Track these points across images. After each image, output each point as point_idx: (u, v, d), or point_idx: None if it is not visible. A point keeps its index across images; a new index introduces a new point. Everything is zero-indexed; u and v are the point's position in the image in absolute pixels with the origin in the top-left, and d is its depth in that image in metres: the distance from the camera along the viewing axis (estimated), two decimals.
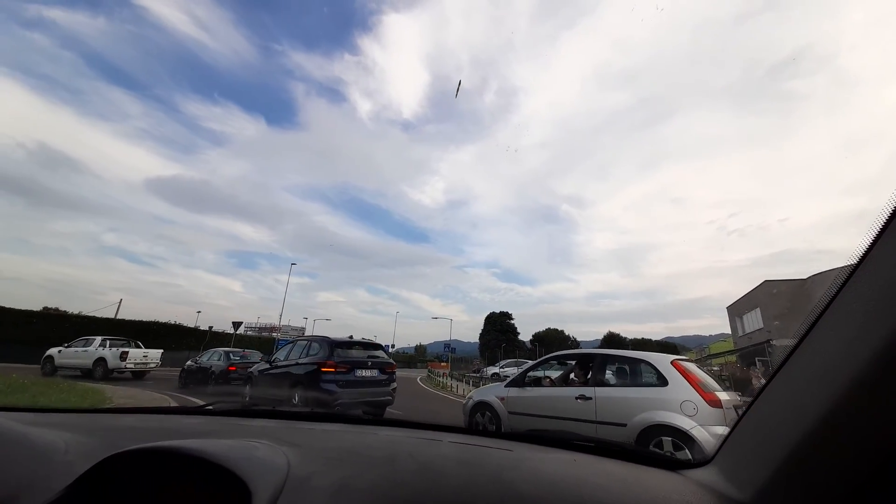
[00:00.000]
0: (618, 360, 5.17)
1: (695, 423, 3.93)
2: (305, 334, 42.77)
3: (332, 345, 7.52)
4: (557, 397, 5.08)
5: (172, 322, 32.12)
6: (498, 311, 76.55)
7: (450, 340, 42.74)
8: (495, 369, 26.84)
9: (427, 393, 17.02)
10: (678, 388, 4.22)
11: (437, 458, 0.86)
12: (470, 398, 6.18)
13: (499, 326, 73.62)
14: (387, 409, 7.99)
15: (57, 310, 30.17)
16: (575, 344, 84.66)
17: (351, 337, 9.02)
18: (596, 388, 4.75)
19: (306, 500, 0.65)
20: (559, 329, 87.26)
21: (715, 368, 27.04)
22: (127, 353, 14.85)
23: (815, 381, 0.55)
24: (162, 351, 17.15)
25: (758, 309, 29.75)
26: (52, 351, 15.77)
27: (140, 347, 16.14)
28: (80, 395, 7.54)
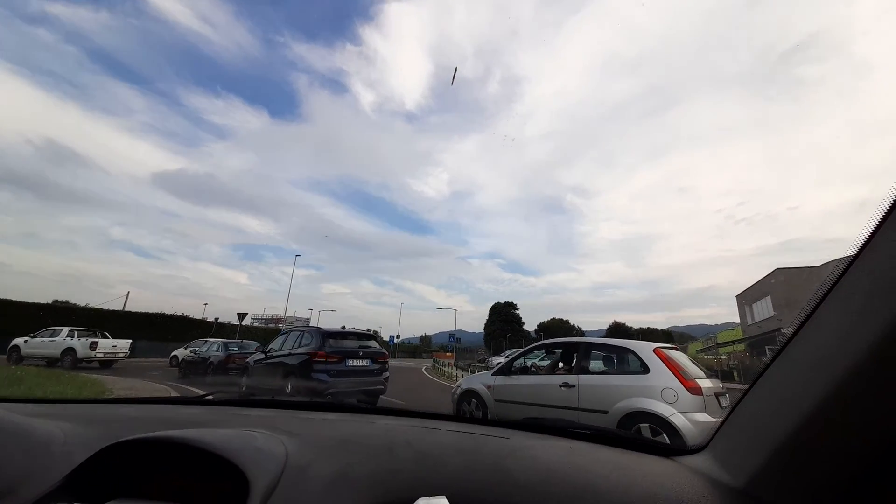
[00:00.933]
0: (602, 348, 5.21)
1: (674, 410, 3.95)
2: (309, 325, 43.11)
3: (324, 335, 7.63)
4: (542, 385, 5.12)
5: (179, 314, 32.51)
6: (503, 302, 76.63)
7: (455, 331, 42.71)
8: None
9: (432, 383, 16.96)
10: (659, 375, 4.24)
11: (435, 447, 0.87)
12: (458, 386, 6.22)
13: (504, 316, 73.63)
14: (389, 398, 7.99)
15: (67, 302, 30.41)
16: (580, 334, 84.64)
17: (343, 327, 9.32)
18: (580, 376, 4.81)
19: (304, 488, 0.65)
20: (564, 319, 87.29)
21: (723, 357, 26.99)
22: (96, 343, 15.26)
23: (812, 369, 0.55)
24: (131, 341, 17.60)
25: (768, 297, 29.28)
26: (19, 340, 16.07)
27: (108, 338, 16.56)
28: (79, 386, 7.49)
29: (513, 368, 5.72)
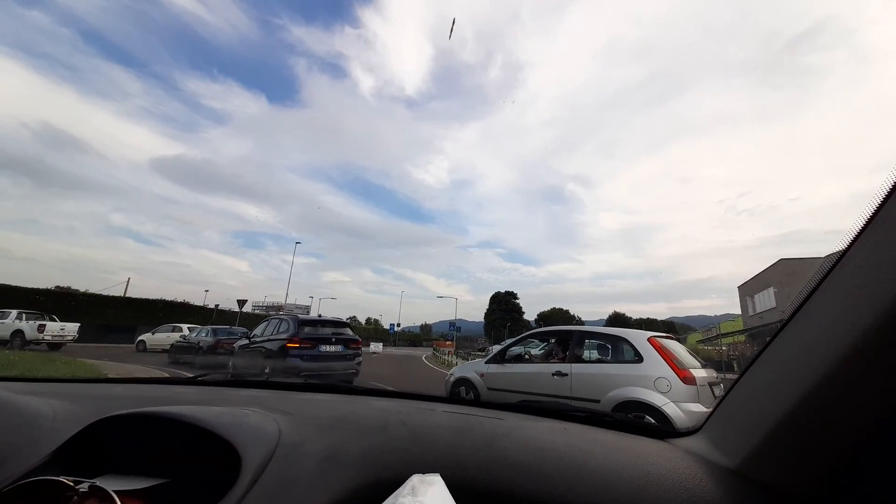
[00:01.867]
0: (596, 336, 5.15)
1: (667, 400, 3.90)
2: (311, 313, 43.33)
3: (300, 323, 8.13)
4: (535, 373, 5.07)
5: (179, 301, 32.58)
6: (503, 291, 76.72)
7: (455, 320, 42.78)
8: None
9: (432, 371, 16.93)
10: (653, 364, 4.18)
11: (429, 426, 0.87)
12: (451, 374, 6.23)
13: (504, 306, 73.80)
14: (388, 387, 7.80)
15: (69, 288, 30.39)
16: (580, 324, 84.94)
17: (320, 315, 10.10)
18: (573, 365, 4.74)
19: (297, 465, 0.65)
20: (564, 309, 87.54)
21: (724, 348, 27.03)
22: (44, 325, 15.67)
23: (804, 354, 0.56)
24: (79, 325, 17.85)
25: (771, 288, 29.14)
26: None
27: (56, 321, 16.81)
28: (73, 370, 7.42)
29: (506, 356, 5.66)
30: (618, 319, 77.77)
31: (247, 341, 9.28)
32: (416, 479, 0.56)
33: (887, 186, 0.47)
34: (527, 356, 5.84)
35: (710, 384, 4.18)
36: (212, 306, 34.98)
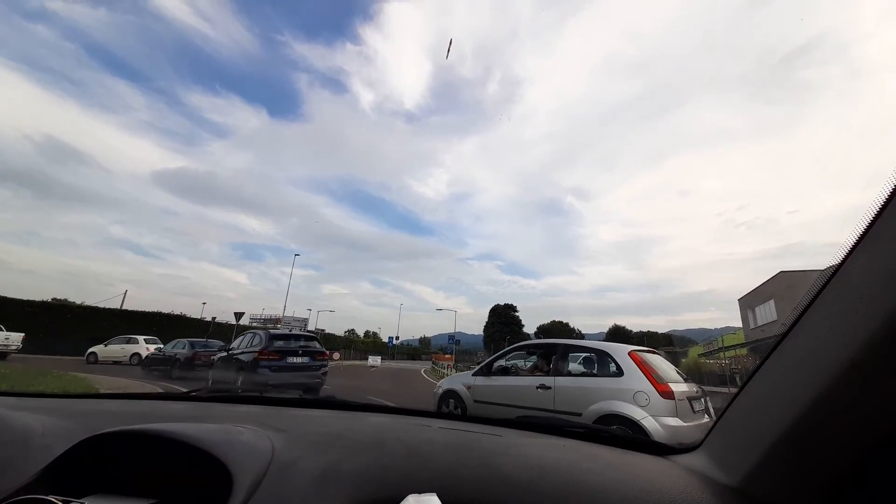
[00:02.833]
0: (579, 350, 5.23)
1: (646, 414, 3.99)
2: (309, 325, 43.06)
3: (270, 337, 8.92)
4: (519, 386, 5.15)
5: (176, 313, 32.37)
6: (503, 304, 76.41)
7: (454, 332, 42.43)
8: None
9: (431, 386, 16.66)
10: (633, 378, 4.26)
11: (426, 443, 0.85)
12: (440, 386, 6.32)
13: (504, 318, 73.40)
14: (386, 402, 7.85)
15: (66, 300, 30.18)
16: (580, 337, 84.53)
17: (290, 330, 11.60)
18: (556, 378, 4.84)
19: (291, 484, 0.64)
20: (564, 322, 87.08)
21: (725, 362, 26.75)
22: None
23: (804, 369, 0.56)
24: (23, 335, 17.99)
25: (772, 301, 29.04)
26: None
27: (2, 330, 17.08)
28: (64, 385, 7.28)
29: (493, 369, 5.72)
30: (618, 332, 77.30)
31: (225, 353, 9.82)
32: (412, 500, 0.55)
33: (880, 200, 0.47)
34: (513, 369, 5.90)
35: (690, 399, 4.23)
36: (209, 319, 34.68)
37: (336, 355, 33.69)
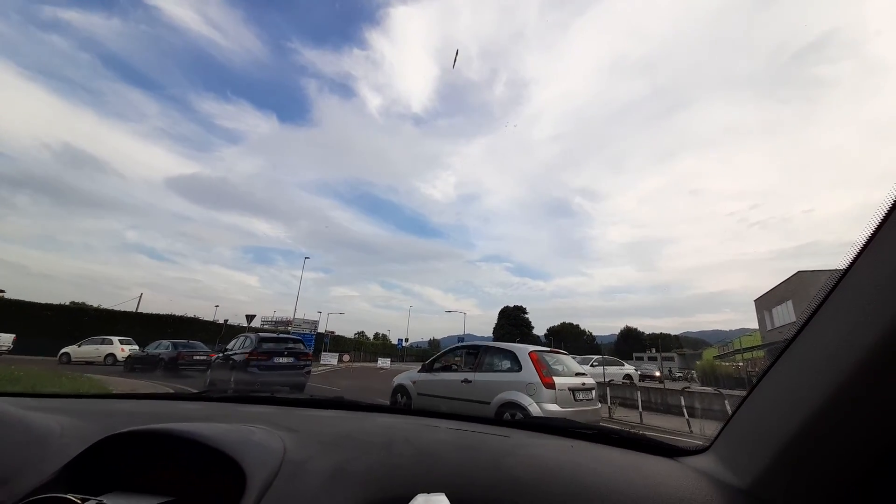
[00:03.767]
0: (494, 350, 6.16)
1: (532, 401, 5.04)
2: (319, 327, 43.39)
3: (260, 339, 10.01)
4: (450, 381, 6.16)
5: (189, 316, 32.85)
6: (512, 306, 75.97)
7: (464, 335, 42.26)
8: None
9: None
10: (528, 372, 5.32)
11: (435, 444, 0.86)
12: (394, 381, 7.28)
13: (513, 320, 72.95)
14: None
15: (84, 304, 30.77)
16: (591, 339, 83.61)
17: (278, 333, 12.30)
18: (476, 373, 5.87)
19: (303, 483, 0.65)
20: (575, 323, 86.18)
21: (741, 364, 26.10)
22: None
23: (816, 371, 0.55)
24: (14, 336, 18.21)
25: (790, 301, 28.30)
26: None
27: None
28: (77, 387, 7.38)
29: (434, 367, 6.68)
30: (629, 335, 76.20)
31: (222, 354, 11.00)
32: (420, 500, 0.55)
33: (889, 201, 0.47)
34: (454, 366, 6.73)
35: (572, 389, 5.36)
36: (221, 321, 35.10)
37: (346, 357, 33.75)
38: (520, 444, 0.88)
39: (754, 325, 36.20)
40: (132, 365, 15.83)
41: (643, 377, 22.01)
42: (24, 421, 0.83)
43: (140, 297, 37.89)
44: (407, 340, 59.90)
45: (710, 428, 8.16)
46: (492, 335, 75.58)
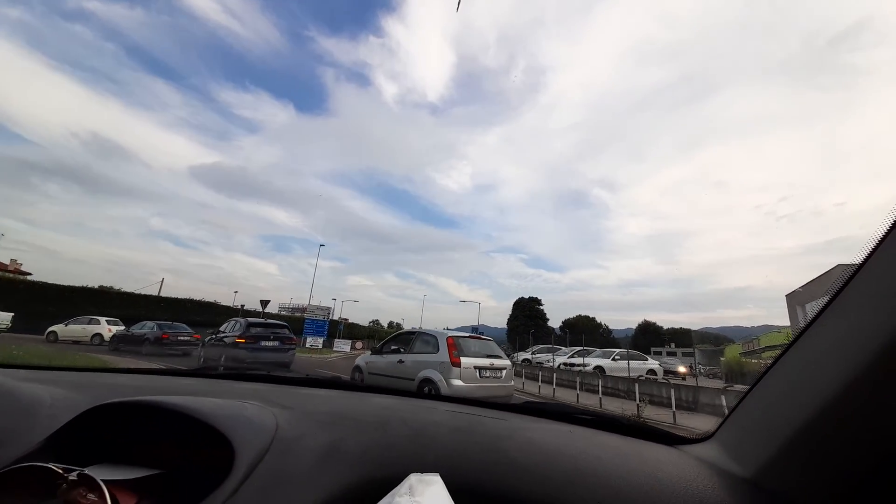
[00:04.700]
0: (423, 335, 7.02)
1: (441, 378, 5.97)
2: (332, 314, 44.06)
3: (248, 324, 11.18)
4: (390, 361, 7.11)
5: (207, 301, 33.67)
6: (527, 297, 74.91)
7: (478, 325, 41.82)
8: (526, 355, 25.35)
9: None
10: (442, 354, 6.21)
11: (431, 425, 0.85)
12: (356, 362, 8.25)
13: (528, 312, 72.02)
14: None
15: (111, 288, 31.68)
16: (607, 333, 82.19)
17: (265, 319, 13.54)
18: (408, 355, 6.83)
19: (294, 459, 0.64)
20: (591, 316, 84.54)
21: (768, 361, 24.81)
22: None
23: (825, 362, 0.55)
24: (12, 314, 18.44)
25: (827, 297, 26.70)
26: None
27: None
28: (75, 362, 7.23)
29: (382, 350, 7.59)
30: (648, 329, 74.29)
31: (214, 336, 12.27)
32: (414, 479, 0.55)
33: None
34: (401, 350, 7.43)
35: (479, 368, 6.26)
36: (238, 306, 35.87)
37: (359, 344, 33.90)
38: (517, 428, 0.87)
39: (779, 321, 34.65)
40: (116, 344, 16.34)
41: (668, 373, 20.82)
42: (12, 391, 0.83)
43: (162, 281, 39.00)
44: (482, 333, 59.50)
45: None
46: (506, 326, 74.95)
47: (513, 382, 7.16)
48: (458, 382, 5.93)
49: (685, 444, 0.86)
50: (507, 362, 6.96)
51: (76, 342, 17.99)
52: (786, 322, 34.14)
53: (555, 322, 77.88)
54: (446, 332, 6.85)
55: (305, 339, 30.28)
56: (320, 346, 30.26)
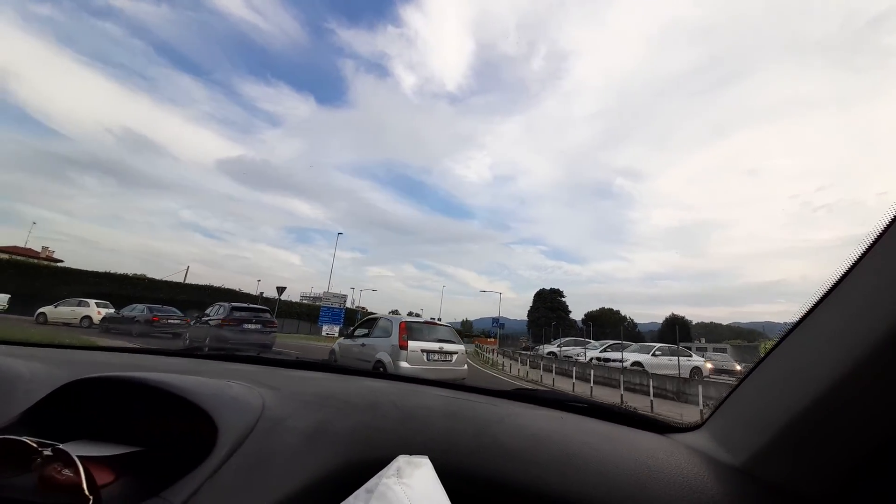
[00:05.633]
0: (382, 320, 7.47)
1: (390, 359, 6.60)
2: (348, 303, 44.52)
3: (231, 308, 11.86)
4: (356, 345, 7.67)
5: (227, 288, 34.80)
6: (548, 289, 73.45)
7: (499, 316, 40.92)
8: (552, 348, 23.90)
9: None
10: (394, 337, 6.75)
11: (421, 409, 0.86)
12: (332, 346, 8.96)
13: (549, 304, 70.57)
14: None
15: (145, 276, 32.80)
16: (632, 326, 79.97)
17: (249, 304, 14.48)
18: (368, 339, 7.39)
19: (279, 440, 0.64)
20: (615, 309, 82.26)
21: None
22: None
23: (820, 351, 0.56)
24: (9, 296, 18.97)
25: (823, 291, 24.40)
26: None
27: None
28: (58, 337, 6.77)
29: (354, 335, 8.08)
30: (675, 322, 71.72)
31: (198, 318, 13.12)
32: (402, 461, 0.55)
33: None
34: (367, 333, 7.83)
35: (426, 351, 6.71)
36: (265, 295, 37.42)
37: None
38: (508, 413, 0.87)
39: None
40: (107, 325, 16.51)
41: (721, 372, 18.46)
42: None
43: (187, 269, 39.89)
44: (440, 320, 59.62)
45: None
46: (526, 318, 73.80)
47: (465, 367, 7.45)
48: (404, 364, 6.36)
49: (676, 432, 0.86)
50: (459, 347, 7.29)
51: (66, 324, 17.87)
52: None
53: (576, 314, 76.18)
54: (402, 317, 7.30)
55: (322, 327, 30.31)
56: (336, 335, 30.28)
